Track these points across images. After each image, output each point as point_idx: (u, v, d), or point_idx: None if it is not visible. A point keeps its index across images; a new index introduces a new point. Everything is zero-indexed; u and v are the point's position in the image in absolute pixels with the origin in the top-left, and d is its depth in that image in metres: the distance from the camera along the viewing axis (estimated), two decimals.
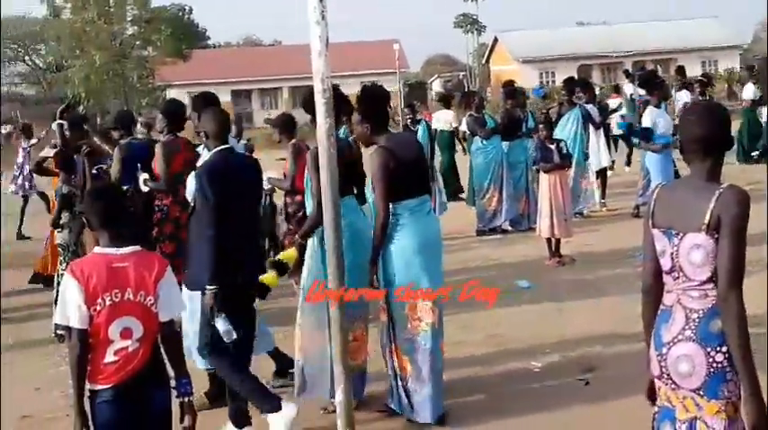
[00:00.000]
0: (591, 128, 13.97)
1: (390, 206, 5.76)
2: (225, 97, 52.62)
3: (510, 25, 74.21)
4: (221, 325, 5.39)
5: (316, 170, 5.54)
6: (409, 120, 13.20)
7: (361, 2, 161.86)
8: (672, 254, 3.49)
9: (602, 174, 14.37)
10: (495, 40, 66.82)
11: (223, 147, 5.61)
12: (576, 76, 21.68)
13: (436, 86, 62.14)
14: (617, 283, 8.97)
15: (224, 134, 5.72)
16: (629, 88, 23.80)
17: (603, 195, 14.34)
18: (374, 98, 6.11)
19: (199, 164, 6.01)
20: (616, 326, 7.65)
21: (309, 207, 6.14)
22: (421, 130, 12.94)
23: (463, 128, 14.46)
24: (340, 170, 4.65)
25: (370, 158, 5.83)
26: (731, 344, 3.35)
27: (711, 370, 3.40)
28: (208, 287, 5.36)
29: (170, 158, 7.87)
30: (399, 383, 5.95)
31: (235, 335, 5.43)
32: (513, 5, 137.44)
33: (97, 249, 3.95)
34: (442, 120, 16.90)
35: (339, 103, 5.26)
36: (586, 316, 8.23)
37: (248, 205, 5.73)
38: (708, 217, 3.35)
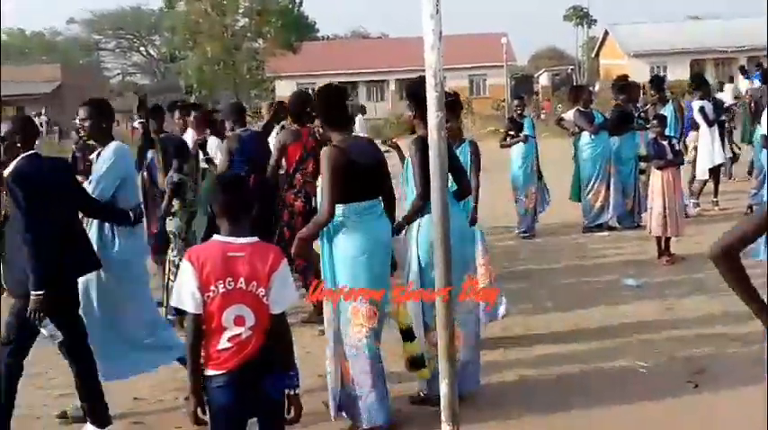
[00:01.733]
0: (703, 125, 13.68)
1: (338, 207, 5.63)
2: None
3: (621, 18, 73.06)
4: (47, 329, 5.53)
5: (420, 163, 5.70)
6: (516, 114, 13.08)
7: None
8: None
9: (714, 172, 14.03)
10: (606, 33, 65.78)
11: (30, 152, 5.66)
12: (689, 71, 21.20)
13: (543, 80, 61.52)
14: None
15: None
16: (744, 84, 23.21)
17: (716, 193, 14.00)
18: (329, 97, 6.06)
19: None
20: (727, 327, 7.49)
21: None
22: (527, 124, 12.85)
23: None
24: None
25: (321, 156, 5.75)
26: None
27: None
28: (33, 292, 5.37)
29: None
30: (343, 389, 5.79)
31: (61, 337, 5.60)
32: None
33: (216, 237, 4.05)
34: None
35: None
36: (696, 316, 8.05)
37: (63, 208, 5.72)
38: None
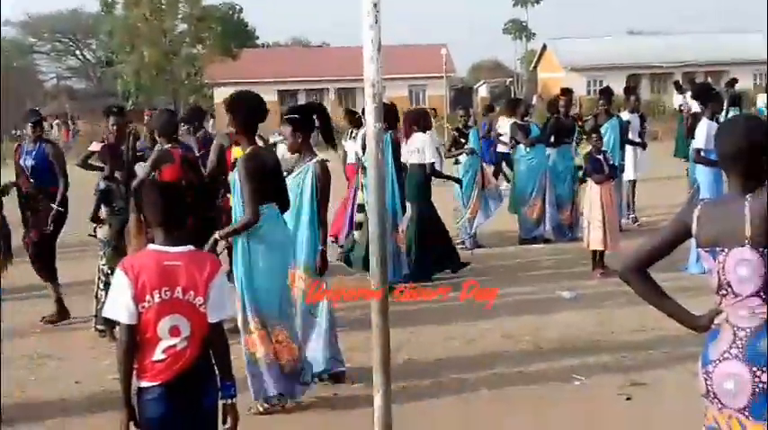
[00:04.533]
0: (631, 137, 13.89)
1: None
2: (271, 97, 52.94)
3: (559, 33, 73.68)
4: None
5: (248, 180, 6.00)
6: (462, 125, 13.06)
7: (411, 6, 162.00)
8: (718, 271, 3.44)
9: (631, 186, 14.19)
10: (544, 47, 66.51)
11: None
12: (625, 86, 21.52)
13: (483, 92, 62.02)
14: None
15: None
16: (678, 99, 23.65)
17: (630, 207, 14.13)
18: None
19: None
20: (662, 338, 7.55)
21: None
22: (472, 136, 12.86)
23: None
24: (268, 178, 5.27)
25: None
26: None
27: (757, 390, 3.35)
28: None
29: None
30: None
31: None
32: (564, 13, 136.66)
33: (151, 246, 3.97)
34: None
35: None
36: (630, 328, 8.13)
37: None
38: (749, 229, 3.33)
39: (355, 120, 13.86)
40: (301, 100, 58.87)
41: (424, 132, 10.89)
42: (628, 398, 6.42)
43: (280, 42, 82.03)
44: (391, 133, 10.04)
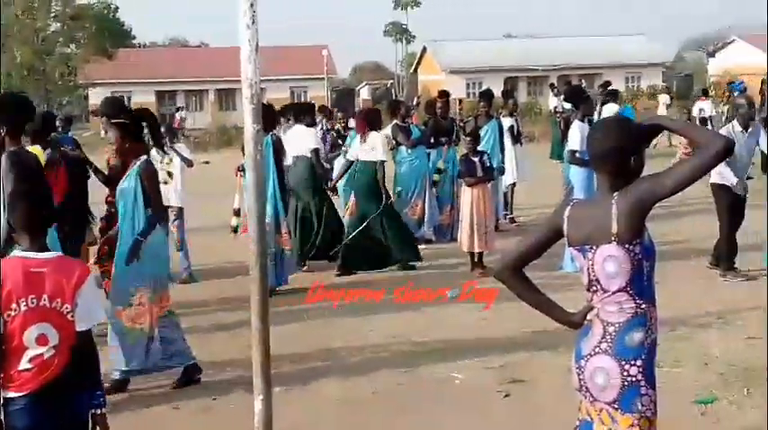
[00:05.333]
0: (508, 142, 14.14)
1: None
2: (149, 98, 52.02)
3: (439, 35, 74.74)
4: None
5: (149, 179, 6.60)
6: (342, 126, 13.07)
7: (292, 7, 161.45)
8: (588, 269, 3.54)
9: (510, 188, 14.47)
10: (424, 49, 67.18)
11: None
12: (503, 88, 21.93)
13: (364, 93, 62.22)
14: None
15: None
16: (553, 102, 24.24)
17: (509, 208, 14.44)
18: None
19: None
20: (542, 335, 7.68)
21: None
22: (351, 138, 12.90)
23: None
24: None
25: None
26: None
27: (626, 383, 3.46)
28: None
29: None
30: None
31: None
32: (443, 16, 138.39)
33: (16, 252, 3.83)
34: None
35: None
36: (509, 326, 8.25)
37: None
38: (615, 226, 3.42)
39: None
40: (180, 101, 58.04)
41: (378, 131, 11.19)
42: (506, 396, 6.53)
43: (157, 42, 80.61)
44: (273, 135, 10.01)
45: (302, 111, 11.88)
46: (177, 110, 46.27)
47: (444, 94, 14.00)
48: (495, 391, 6.62)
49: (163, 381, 6.98)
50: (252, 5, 3.97)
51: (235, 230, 10.50)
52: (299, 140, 11.37)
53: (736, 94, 29.18)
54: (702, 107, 20.37)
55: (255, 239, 4.16)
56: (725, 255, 9.95)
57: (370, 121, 11.26)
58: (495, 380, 6.84)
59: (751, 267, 10.06)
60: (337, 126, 13.19)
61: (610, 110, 19.39)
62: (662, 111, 30.69)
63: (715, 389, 6.42)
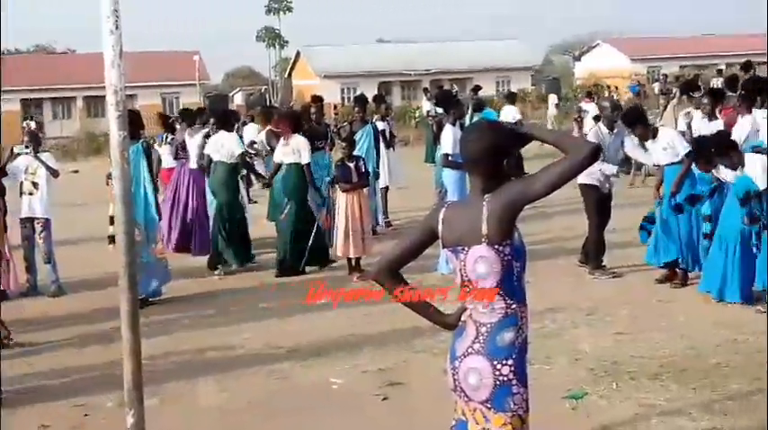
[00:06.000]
0: (382, 146, 14.21)
1: None
2: (14, 106, 50.25)
3: (312, 40, 74.29)
4: None
5: None
6: (212, 132, 12.85)
7: (162, 12, 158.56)
8: (460, 270, 3.60)
9: (383, 192, 14.55)
10: (298, 54, 67.03)
11: None
12: (377, 92, 22.07)
13: (238, 99, 61.62)
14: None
15: None
16: (426, 106, 24.54)
17: (385, 213, 14.52)
18: None
19: None
20: (419, 337, 7.74)
21: None
22: None
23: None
24: None
25: None
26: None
27: (498, 382, 3.52)
28: None
29: None
30: None
31: None
32: (316, 21, 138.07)
33: None
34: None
35: None
36: (386, 328, 8.28)
37: None
38: (485, 227, 3.47)
39: (168, 125, 14.26)
40: (47, 109, 56.34)
41: (302, 134, 11.42)
42: (384, 399, 6.56)
43: (21, 49, 77.92)
44: (143, 141, 9.84)
45: (225, 118, 12.08)
46: (29, 119, 44.73)
47: (318, 99, 13.98)
48: (372, 395, 6.63)
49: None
50: (115, 10, 3.89)
51: (112, 239, 10.20)
52: (222, 145, 11.49)
53: (631, 95, 30.44)
54: (587, 109, 21.20)
55: (124, 249, 4.07)
56: (593, 254, 10.24)
57: (294, 124, 11.39)
58: (373, 384, 6.85)
59: (618, 264, 10.37)
60: (208, 130, 12.98)
61: (507, 112, 19.77)
62: (551, 111, 31.42)
63: (585, 385, 6.59)
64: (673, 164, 9.48)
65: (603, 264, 10.24)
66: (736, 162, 8.40)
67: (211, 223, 11.77)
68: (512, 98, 22.58)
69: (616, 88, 39.68)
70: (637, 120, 9.75)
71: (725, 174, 8.69)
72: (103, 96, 4.04)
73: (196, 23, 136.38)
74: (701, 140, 8.87)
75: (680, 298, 9.02)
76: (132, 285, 4.06)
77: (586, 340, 7.73)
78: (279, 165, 11.41)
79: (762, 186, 8.20)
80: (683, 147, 9.45)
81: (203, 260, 11.85)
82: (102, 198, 10.76)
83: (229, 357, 7.78)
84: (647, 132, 9.69)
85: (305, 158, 11.07)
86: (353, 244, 10.58)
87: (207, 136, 12.74)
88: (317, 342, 8.11)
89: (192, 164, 12.72)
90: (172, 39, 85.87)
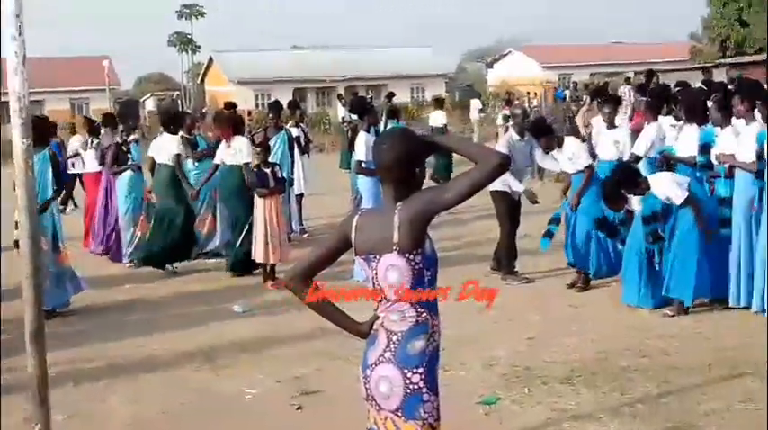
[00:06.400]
0: (296, 152, 14.18)
1: None
2: None
3: (225, 46, 73.82)
4: None
5: None
6: (123, 140, 12.64)
7: (69, 16, 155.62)
8: (373, 278, 3.60)
9: (298, 198, 14.53)
10: (211, 60, 66.42)
11: None
12: (291, 99, 21.99)
13: (149, 105, 60.81)
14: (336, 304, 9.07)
15: None
16: (341, 112, 24.56)
17: (300, 220, 14.50)
18: None
19: None
20: (334, 345, 7.69)
21: None
22: (135, 151, 12.58)
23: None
24: None
25: None
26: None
27: (408, 391, 3.53)
28: None
29: None
30: None
31: None
32: (228, 26, 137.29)
33: None
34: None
35: None
36: (300, 336, 8.24)
37: None
38: (396, 236, 3.48)
39: (94, 129, 14.33)
40: None
41: (243, 135, 11.76)
42: (299, 408, 6.52)
43: None
44: (50, 148, 9.63)
45: (170, 120, 12.19)
46: None
47: (232, 106, 13.88)
48: (288, 404, 6.59)
49: None
50: (18, 15, 3.79)
51: (17, 244, 9.96)
52: (163, 148, 11.75)
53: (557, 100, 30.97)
54: (507, 114, 21.99)
55: (28, 259, 3.97)
56: (505, 260, 10.36)
57: (236, 126, 11.60)
58: (288, 393, 6.81)
59: (530, 270, 10.51)
60: (117, 139, 12.77)
61: (435, 117, 19.97)
62: (474, 115, 31.69)
63: (498, 390, 6.66)
64: (579, 172, 9.70)
65: (516, 269, 10.37)
66: (644, 188, 8.61)
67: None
68: (440, 103, 22.79)
69: (535, 94, 40.47)
70: (542, 132, 10.00)
71: (634, 203, 8.95)
72: (7, 102, 3.94)
73: (107, 28, 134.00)
74: (606, 184, 9.01)
75: (590, 302, 9.19)
76: (37, 296, 3.96)
77: (500, 345, 7.81)
78: (217, 166, 11.57)
79: (678, 202, 8.42)
80: (586, 158, 9.71)
81: (119, 267, 11.93)
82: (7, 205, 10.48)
83: (141, 367, 7.65)
84: (552, 143, 9.96)
85: (245, 157, 11.21)
86: (273, 250, 10.52)
87: (135, 141, 12.92)
88: (231, 350, 8.03)
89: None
90: (80, 43, 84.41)
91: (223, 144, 11.49)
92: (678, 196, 8.38)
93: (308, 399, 6.67)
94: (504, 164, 3.52)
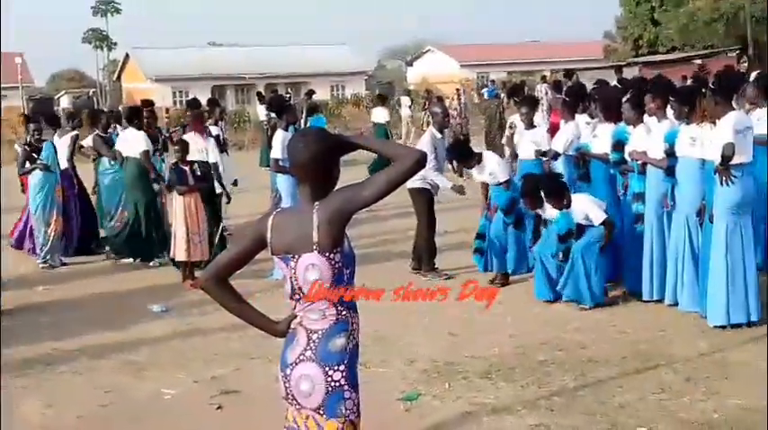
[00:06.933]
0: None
1: None
2: None
3: (142, 43, 72.46)
4: None
5: None
6: (34, 139, 12.32)
7: None
8: (291, 277, 3.59)
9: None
10: (127, 56, 65.42)
11: None
12: (210, 96, 21.81)
13: (64, 103, 59.60)
14: (252, 302, 9.00)
15: None
16: (261, 110, 24.39)
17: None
18: None
19: None
20: (251, 345, 7.65)
21: None
22: (47, 150, 12.29)
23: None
24: None
25: None
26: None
27: (329, 389, 3.54)
28: None
29: None
30: None
31: None
32: (145, 23, 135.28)
33: None
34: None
35: None
36: (217, 335, 8.17)
37: None
38: (316, 235, 3.48)
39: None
40: None
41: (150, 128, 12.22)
42: (219, 408, 6.47)
43: None
44: None
45: (134, 115, 12.37)
46: None
47: (148, 103, 13.68)
48: (206, 404, 6.53)
49: None
50: None
51: None
52: (130, 142, 11.96)
53: (485, 97, 31.37)
54: (435, 110, 22.65)
55: None
56: (426, 256, 10.41)
57: (129, 118, 12.06)
58: (207, 393, 6.75)
59: (451, 266, 10.56)
60: (28, 138, 12.46)
61: (377, 114, 20.01)
62: (406, 112, 31.72)
63: (419, 386, 6.70)
64: (499, 183, 9.89)
65: (436, 266, 10.42)
66: (565, 204, 8.78)
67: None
68: (382, 100, 22.85)
69: (463, 90, 40.68)
70: (461, 154, 10.16)
71: (549, 212, 9.09)
72: None
73: (20, 24, 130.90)
74: (530, 179, 9.21)
75: (510, 298, 9.28)
76: None
77: (420, 342, 7.85)
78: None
79: (597, 222, 8.66)
80: (504, 174, 9.95)
81: (34, 267, 11.78)
82: None
83: (56, 370, 7.49)
84: (471, 163, 10.11)
85: (212, 157, 11.52)
86: (193, 247, 10.41)
87: (76, 137, 12.91)
88: (149, 351, 7.93)
89: (63, 164, 12.47)
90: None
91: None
92: (598, 217, 8.64)
93: (227, 399, 6.62)
94: (420, 161, 3.55)
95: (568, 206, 8.79)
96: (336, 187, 3.64)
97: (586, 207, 8.76)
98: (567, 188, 9.01)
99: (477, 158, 10.05)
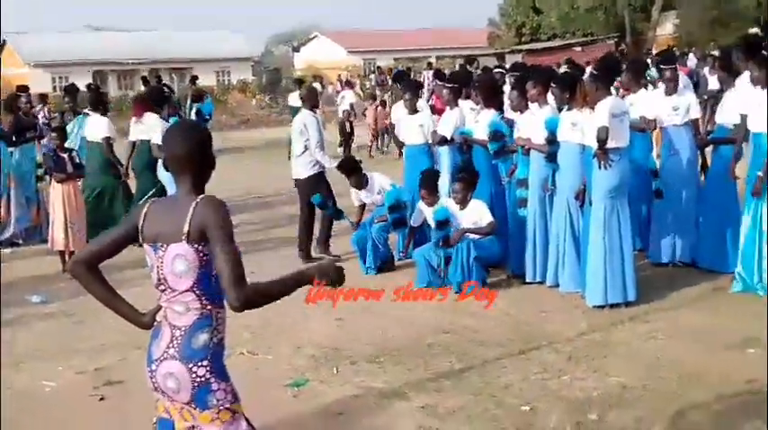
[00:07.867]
0: None
1: None
2: None
3: (19, 27, 70.36)
4: None
5: None
6: None
7: None
8: (158, 267, 3.54)
9: None
10: (4, 41, 63.22)
11: None
12: (92, 82, 21.25)
13: None
14: (134, 297, 8.84)
15: None
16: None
17: None
18: None
19: None
20: (133, 335, 7.45)
21: None
22: None
23: None
24: None
25: None
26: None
27: (195, 384, 3.50)
28: None
29: None
30: None
31: None
32: (20, 6, 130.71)
33: None
34: None
35: None
36: (107, 327, 7.96)
37: None
38: (187, 226, 3.44)
39: None
40: None
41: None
42: (101, 399, 6.36)
43: None
44: None
45: (98, 101, 12.45)
46: None
47: (24, 89, 13.29)
48: (89, 396, 6.41)
49: None
50: None
51: None
52: (94, 128, 12.05)
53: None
54: (344, 95, 23.14)
55: None
56: (322, 239, 10.46)
57: (146, 105, 11.96)
58: (89, 384, 6.62)
59: (345, 251, 10.54)
60: None
61: (295, 98, 19.82)
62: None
63: (307, 372, 6.70)
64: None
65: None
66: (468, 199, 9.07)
67: None
68: (300, 84, 22.94)
69: (361, 75, 40.87)
70: (352, 171, 10.28)
71: (426, 212, 9.28)
72: None
73: None
74: (428, 174, 9.41)
75: (401, 284, 9.27)
76: None
77: (308, 328, 7.84)
78: (134, 143, 11.99)
79: (485, 223, 8.93)
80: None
81: None
82: None
83: None
84: (360, 182, 10.24)
85: (156, 138, 11.10)
86: (72, 236, 10.16)
87: None
88: (29, 343, 7.74)
89: None
90: None
91: (134, 120, 11.90)
92: (485, 220, 8.96)
93: (110, 390, 6.51)
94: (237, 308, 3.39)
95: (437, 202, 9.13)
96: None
97: (482, 210, 8.97)
98: (474, 182, 9.23)
99: (365, 180, 10.25)
